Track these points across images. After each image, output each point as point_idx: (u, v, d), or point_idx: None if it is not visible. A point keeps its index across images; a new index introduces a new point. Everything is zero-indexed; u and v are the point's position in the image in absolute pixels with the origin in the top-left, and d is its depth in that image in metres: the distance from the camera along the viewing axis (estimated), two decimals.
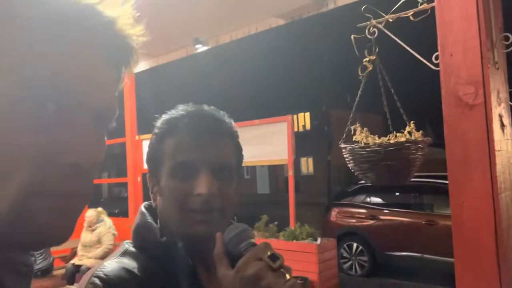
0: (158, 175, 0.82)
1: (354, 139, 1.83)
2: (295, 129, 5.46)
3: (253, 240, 0.71)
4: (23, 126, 0.38)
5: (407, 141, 1.68)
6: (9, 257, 0.49)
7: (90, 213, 5.79)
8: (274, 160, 5.38)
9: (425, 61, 1.61)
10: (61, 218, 0.42)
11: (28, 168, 0.39)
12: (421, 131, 1.75)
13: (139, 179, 6.45)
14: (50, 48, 0.40)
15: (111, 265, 0.75)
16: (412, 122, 1.74)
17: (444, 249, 5.67)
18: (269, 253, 0.67)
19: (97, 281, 0.71)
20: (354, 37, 1.76)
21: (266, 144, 4.98)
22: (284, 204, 6.95)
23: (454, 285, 1.53)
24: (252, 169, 25.61)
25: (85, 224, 5.80)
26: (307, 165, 23.81)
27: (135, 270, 0.75)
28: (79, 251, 5.76)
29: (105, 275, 0.72)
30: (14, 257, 0.50)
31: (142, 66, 6.35)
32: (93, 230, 5.74)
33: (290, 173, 5.10)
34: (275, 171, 25.26)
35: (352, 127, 1.85)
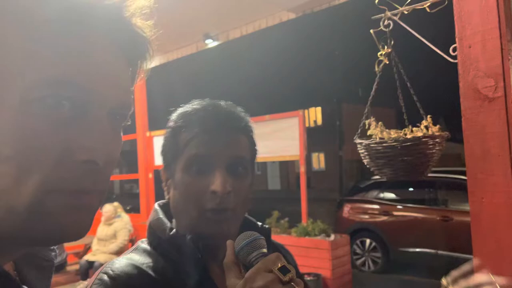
0: (172, 169, 0.82)
1: (368, 133, 1.78)
2: (306, 125, 5.42)
3: (264, 250, 0.69)
4: (40, 126, 0.39)
5: (424, 135, 1.63)
6: (31, 252, 0.51)
7: (107, 208, 5.87)
8: (285, 156, 5.35)
9: (442, 54, 1.56)
10: (78, 215, 0.43)
11: (46, 166, 0.39)
12: (438, 126, 1.70)
13: (150, 175, 6.47)
14: (64, 47, 0.40)
15: (120, 262, 0.76)
16: (429, 116, 1.69)
17: (459, 246, 5.61)
18: (279, 264, 0.64)
19: (105, 277, 0.72)
20: (373, 31, 1.71)
21: (277, 139, 4.95)
22: (295, 200, 6.91)
23: None
24: (263, 164, 25.58)
25: (103, 219, 5.88)
26: (319, 160, 23.70)
27: (143, 266, 0.76)
28: (94, 245, 5.81)
29: (112, 271, 0.74)
30: (36, 253, 0.52)
31: (152, 62, 6.35)
32: (110, 225, 5.80)
33: (302, 169, 5.07)
34: (286, 166, 25.23)
35: (367, 121, 1.81)
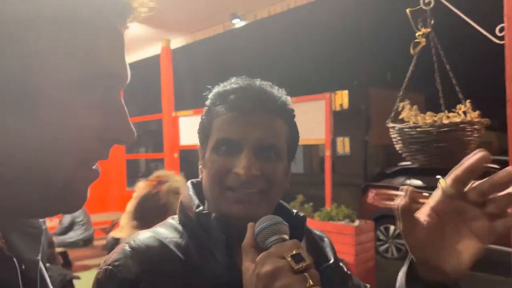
0: (204, 148, 0.81)
1: (401, 116, 1.71)
2: (333, 108, 5.31)
3: (285, 236, 0.64)
4: (84, 108, 0.44)
5: (463, 121, 1.54)
6: (19, 221, 0.53)
7: (141, 185, 5.99)
8: (310, 139, 5.27)
9: (487, 34, 1.46)
10: (86, 186, 0.48)
11: (84, 142, 0.44)
12: (477, 111, 1.61)
13: (175, 155, 6.53)
14: (102, 42, 0.45)
15: (144, 234, 0.78)
16: (468, 101, 1.60)
17: None
18: (294, 252, 0.59)
19: (126, 247, 0.75)
20: (410, 11, 1.60)
21: (302, 122, 4.82)
22: (318, 184, 6.84)
23: (496, 273, 1.42)
24: None
25: (134, 195, 6.00)
26: (343, 145, 23.42)
27: (166, 241, 0.76)
28: (123, 219, 5.95)
29: (134, 241, 0.76)
30: (23, 221, 0.53)
31: (179, 42, 6.34)
32: None
33: (327, 153, 4.99)
34: (309, 150, 25.08)
35: (401, 104, 1.73)
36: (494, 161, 1.43)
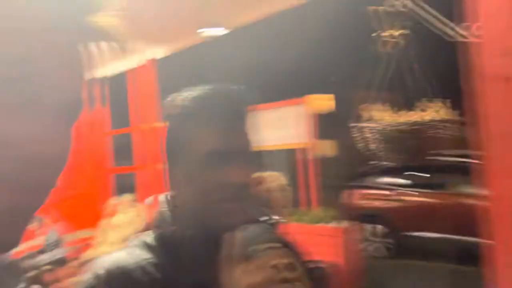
0: (182, 162, 0.76)
1: (375, 117, 1.73)
2: (317, 111, 5.37)
3: (270, 245, 0.63)
4: None
5: (433, 119, 1.58)
6: None
7: (125, 198, 5.95)
8: (293, 144, 5.30)
9: (458, 33, 1.51)
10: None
11: None
12: (449, 109, 1.65)
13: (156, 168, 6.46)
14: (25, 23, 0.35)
15: (118, 256, 0.76)
16: (440, 99, 1.64)
17: (467, 229, 5.57)
18: (285, 261, 0.59)
19: (100, 270, 0.72)
20: (378, 13, 1.64)
21: (284, 127, 4.88)
22: (304, 187, 6.83)
23: (474, 264, 1.45)
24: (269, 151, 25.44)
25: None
26: (326, 147, 23.63)
27: (142, 262, 0.73)
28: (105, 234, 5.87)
29: (107, 264, 0.73)
30: None
31: (160, 53, 6.30)
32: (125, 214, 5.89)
33: (310, 156, 5.03)
34: (292, 154, 25.16)
35: (373, 106, 1.76)
36: (469, 156, 1.48)
